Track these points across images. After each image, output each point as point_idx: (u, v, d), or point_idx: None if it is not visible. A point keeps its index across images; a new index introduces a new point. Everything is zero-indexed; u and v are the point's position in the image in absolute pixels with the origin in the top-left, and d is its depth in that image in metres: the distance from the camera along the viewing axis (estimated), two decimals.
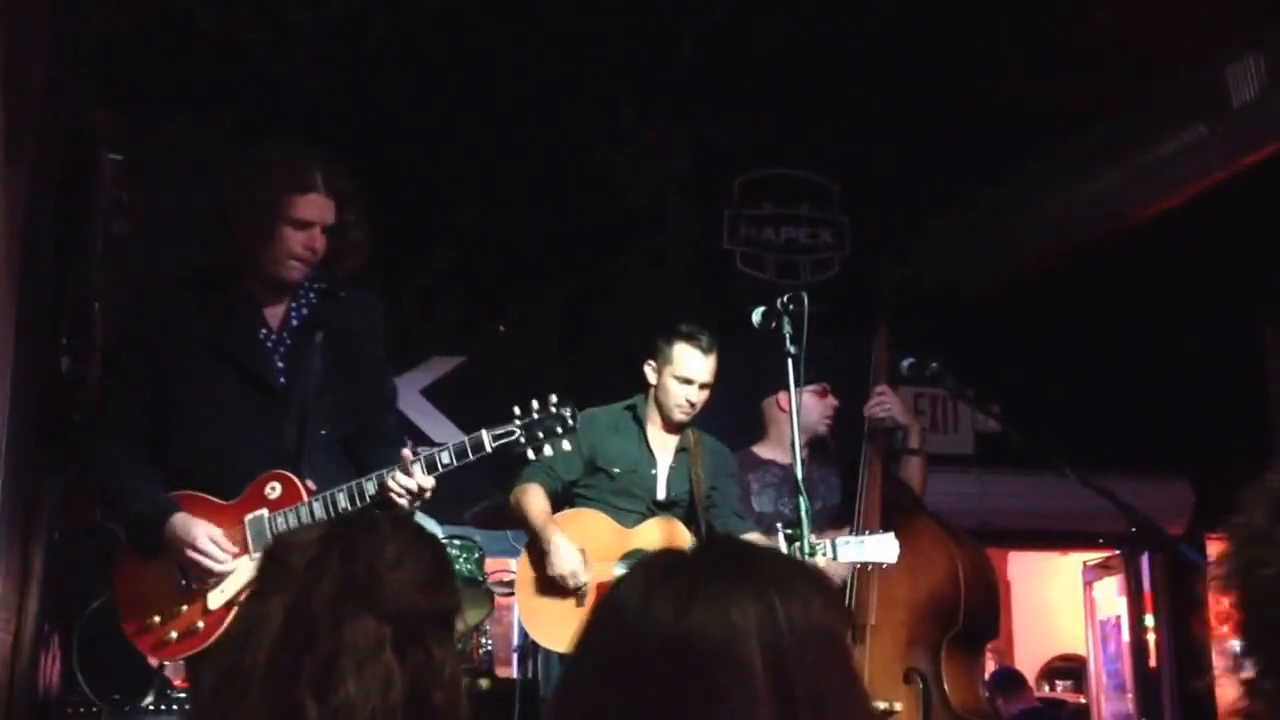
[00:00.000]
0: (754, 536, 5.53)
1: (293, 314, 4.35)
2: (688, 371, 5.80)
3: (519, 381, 6.38)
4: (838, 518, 5.89)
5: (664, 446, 5.91)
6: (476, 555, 6.74)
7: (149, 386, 4.22)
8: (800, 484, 4.99)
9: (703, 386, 5.81)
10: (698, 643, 1.53)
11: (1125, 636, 10.14)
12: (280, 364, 4.29)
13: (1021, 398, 7.69)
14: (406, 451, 4.19)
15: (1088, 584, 11.16)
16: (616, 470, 5.79)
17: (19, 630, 4.82)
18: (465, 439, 4.17)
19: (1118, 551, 10.02)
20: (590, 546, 5.61)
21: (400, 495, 4.11)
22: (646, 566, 1.67)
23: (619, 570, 5.60)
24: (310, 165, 4.27)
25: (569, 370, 7.80)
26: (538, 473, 5.65)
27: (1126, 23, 7.12)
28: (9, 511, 4.57)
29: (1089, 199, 7.63)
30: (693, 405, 5.82)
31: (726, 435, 6.13)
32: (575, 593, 5.57)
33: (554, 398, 4.29)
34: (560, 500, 5.77)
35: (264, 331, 4.31)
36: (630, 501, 5.80)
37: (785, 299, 5.17)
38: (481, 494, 6.70)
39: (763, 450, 6.25)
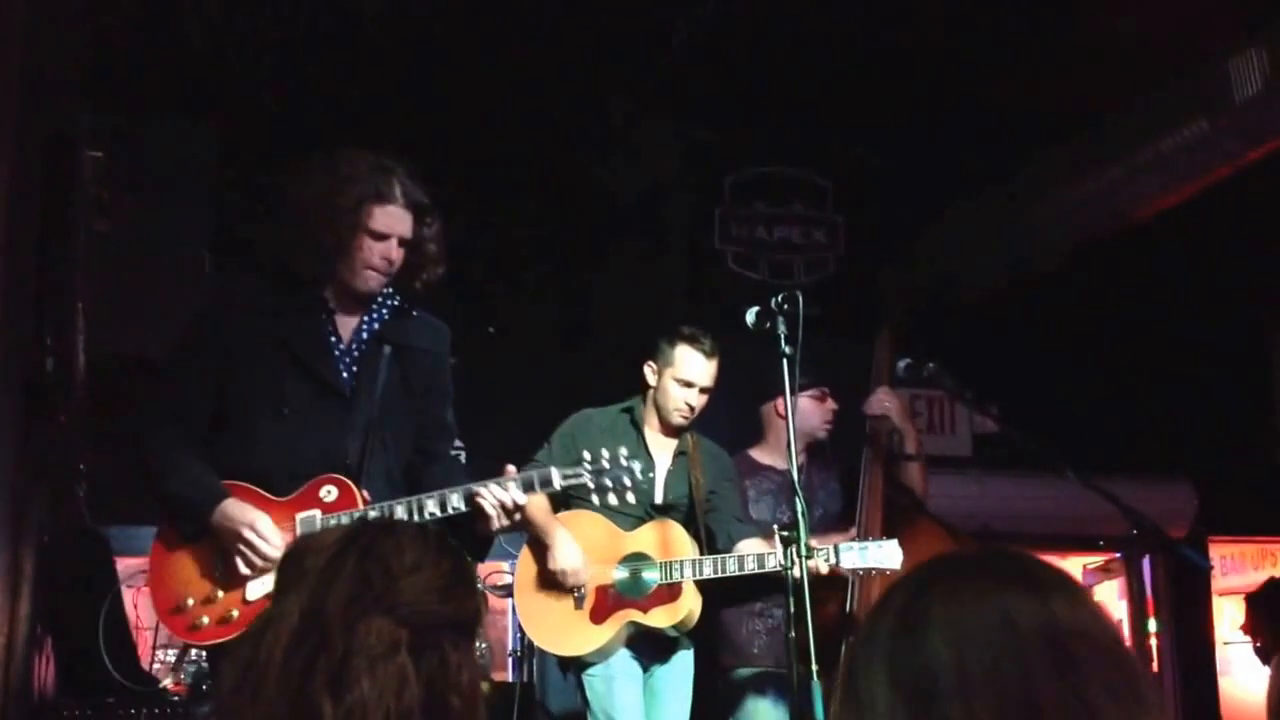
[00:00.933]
0: (755, 541, 5.49)
1: (364, 326, 4.36)
2: (689, 374, 5.71)
3: (510, 384, 6.38)
4: (840, 524, 5.83)
5: (662, 449, 5.82)
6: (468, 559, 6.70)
7: (214, 379, 4.21)
8: (796, 486, 4.91)
9: (703, 390, 5.73)
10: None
11: (1127, 640, 10.09)
12: (348, 372, 4.29)
13: (1021, 399, 7.61)
14: (511, 468, 4.23)
15: (1088, 587, 11.12)
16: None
17: (11, 632, 4.77)
18: (534, 473, 4.23)
19: (1119, 555, 9.97)
20: (588, 548, 5.55)
21: (494, 508, 4.12)
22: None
23: (617, 573, 5.56)
24: (391, 176, 4.27)
25: (560, 372, 7.75)
26: None
27: (1127, 19, 7.08)
28: None
29: (1090, 197, 7.58)
30: (692, 409, 5.73)
31: (720, 438, 6.07)
32: (574, 594, 5.52)
33: (624, 451, 4.38)
34: (557, 503, 5.65)
35: (334, 339, 4.31)
36: (627, 505, 5.70)
37: (779, 299, 5.06)
38: None
39: (760, 455, 6.17)
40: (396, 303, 4.40)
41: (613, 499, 4.37)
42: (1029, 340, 8.63)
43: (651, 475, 5.72)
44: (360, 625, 2.13)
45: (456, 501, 4.12)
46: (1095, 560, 10.66)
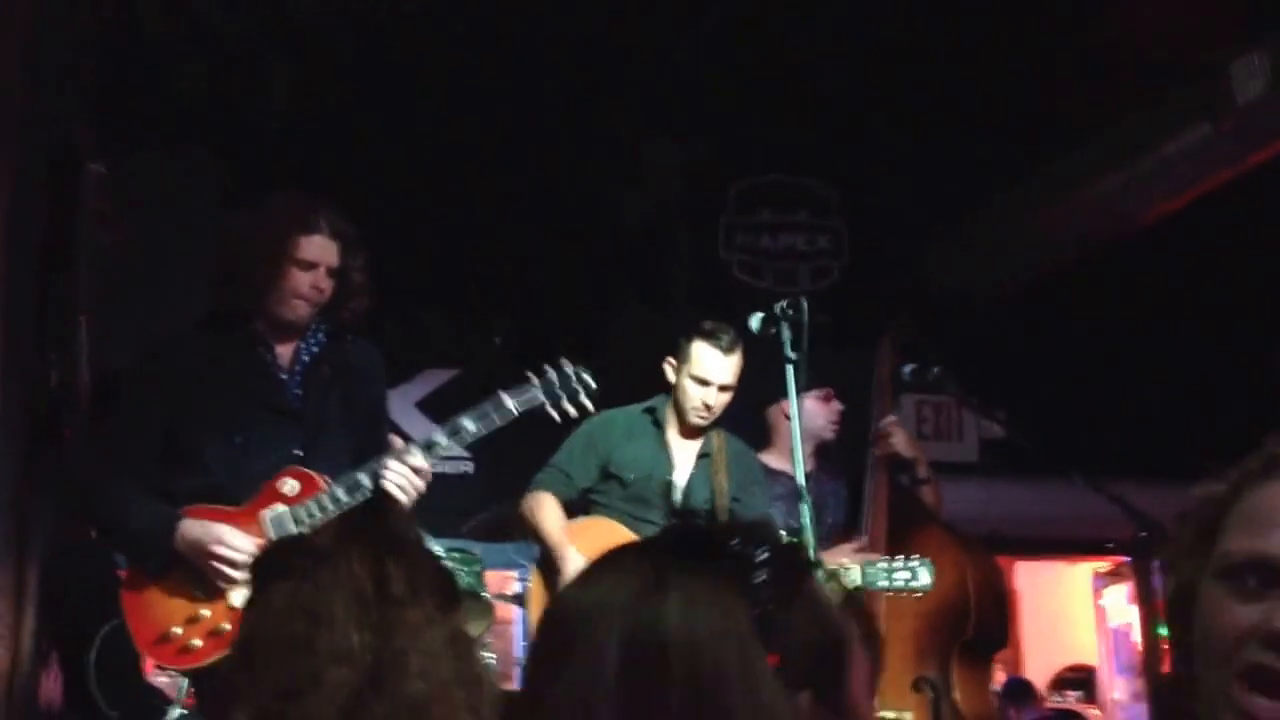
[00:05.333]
0: None
1: (302, 352, 4.47)
2: (705, 372, 5.53)
3: None
4: (848, 530, 5.81)
5: (684, 451, 5.67)
6: (477, 568, 6.66)
7: (161, 418, 4.29)
8: (803, 491, 4.89)
9: (722, 389, 5.54)
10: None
11: (1137, 644, 10.06)
12: (295, 391, 4.41)
13: (1028, 404, 7.60)
14: (395, 440, 4.40)
15: (1097, 592, 11.08)
16: (630, 476, 5.56)
17: (16, 648, 4.76)
18: (486, 402, 4.38)
19: (1128, 559, 9.92)
20: None
21: (402, 485, 4.19)
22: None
23: None
24: (314, 208, 4.40)
25: None
26: (551, 481, 5.53)
27: (1130, 24, 7.06)
28: (1, 529, 4.55)
29: (1094, 202, 7.57)
30: (709, 409, 5.55)
31: None
32: None
33: (566, 362, 4.56)
34: (574, 507, 5.60)
35: (276, 367, 4.42)
36: (646, 510, 5.56)
37: (784, 304, 5.05)
38: (480, 506, 6.61)
39: (770, 459, 6.10)
40: (327, 329, 4.51)
41: (570, 409, 4.49)
42: (1035, 345, 8.62)
43: (671, 479, 5.60)
44: (321, 636, 2.15)
45: (366, 482, 4.20)
46: (1104, 565, 10.64)
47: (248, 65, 7.00)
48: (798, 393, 5.07)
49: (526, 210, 8.30)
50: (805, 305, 5.02)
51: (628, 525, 5.51)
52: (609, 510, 5.60)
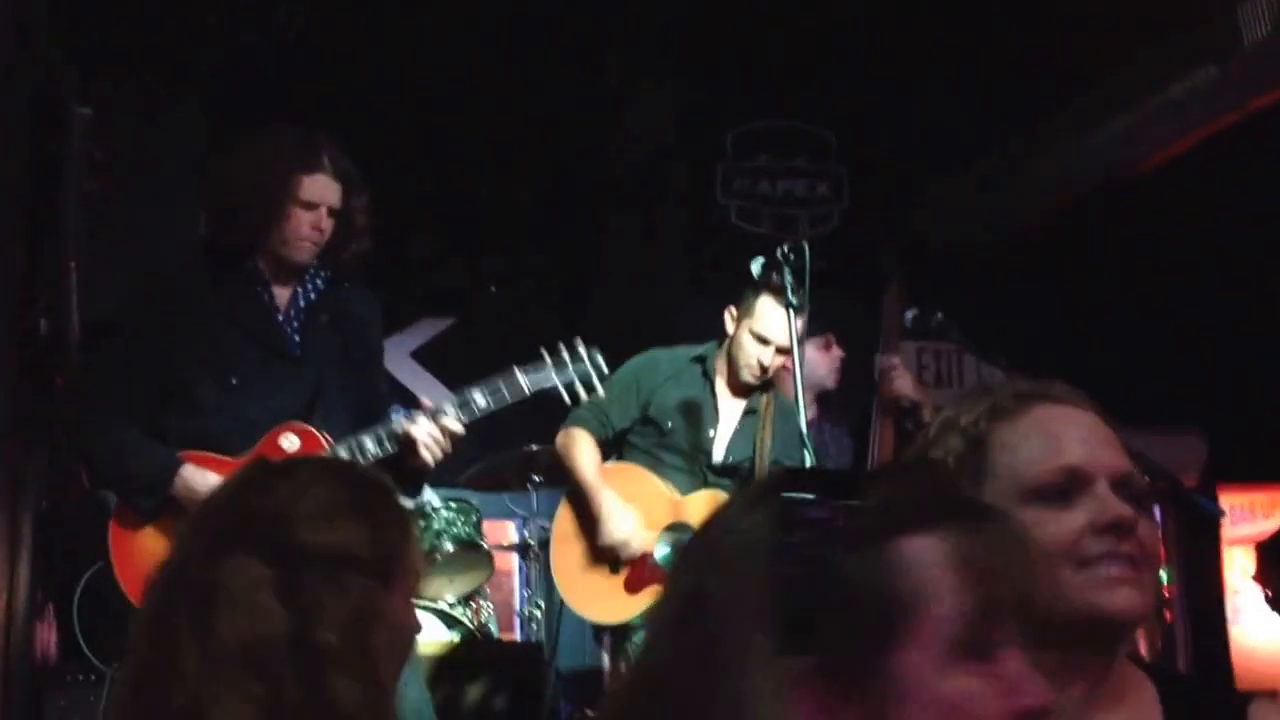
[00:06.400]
0: None
1: (300, 296, 4.40)
2: (767, 330, 5.34)
3: (510, 342, 6.27)
4: None
5: (730, 406, 5.52)
6: (474, 518, 6.63)
7: (156, 356, 4.24)
8: (805, 438, 4.83)
9: (780, 351, 5.34)
10: None
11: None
12: (293, 335, 4.35)
13: (1029, 351, 7.52)
14: (427, 400, 4.34)
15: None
16: (670, 425, 5.43)
17: (11, 598, 4.74)
18: (500, 380, 4.33)
19: None
20: (637, 512, 5.33)
21: (429, 444, 4.16)
22: None
23: (659, 546, 5.30)
24: (317, 145, 4.33)
25: (561, 330, 7.65)
26: (589, 418, 5.39)
27: None
28: None
29: (1098, 146, 7.49)
30: (765, 369, 5.41)
31: None
32: (612, 560, 5.33)
33: (580, 342, 4.52)
34: (608, 448, 5.49)
35: (274, 308, 4.36)
36: (682, 461, 5.44)
37: (785, 249, 4.97)
38: (476, 455, 6.54)
39: None
40: (327, 274, 4.44)
41: (583, 395, 4.44)
42: (1036, 291, 8.55)
43: (713, 434, 5.45)
44: (225, 563, 2.12)
45: (372, 447, 4.18)
46: None
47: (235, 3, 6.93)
48: (798, 338, 5.00)
49: (522, 156, 8.22)
50: (807, 250, 4.94)
51: (660, 474, 5.40)
52: (643, 456, 5.49)
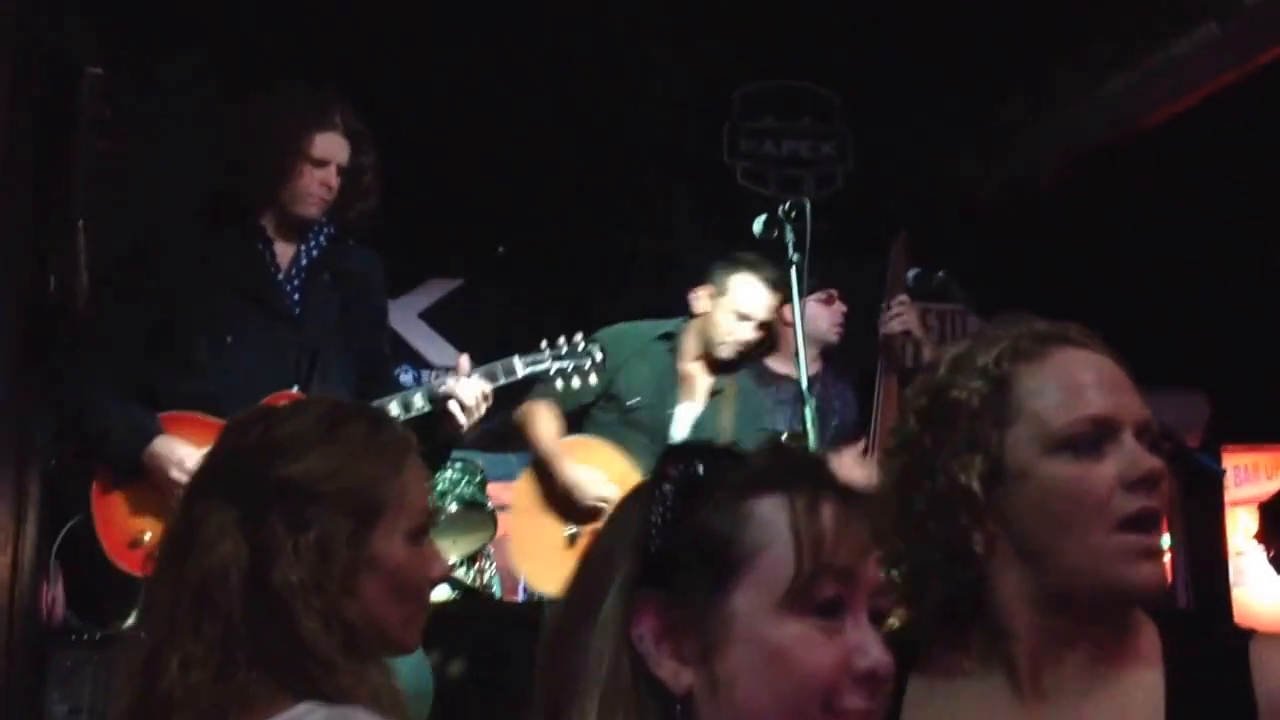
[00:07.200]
0: None
1: (303, 254, 4.38)
2: (747, 306, 5.46)
3: (518, 303, 6.33)
4: (855, 433, 5.77)
5: (695, 386, 5.57)
6: (479, 479, 6.65)
7: (150, 311, 4.23)
8: (805, 393, 4.85)
9: (760, 326, 5.48)
10: None
11: None
12: (294, 296, 4.33)
13: (1032, 310, 7.54)
14: (465, 359, 4.29)
15: None
16: (632, 401, 5.46)
17: (16, 557, 4.74)
18: (498, 364, 4.31)
19: None
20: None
21: (465, 407, 4.18)
22: None
23: None
24: (328, 102, 4.33)
25: (568, 291, 7.68)
26: (551, 391, 5.35)
27: None
28: (1, 438, 4.55)
29: (1098, 105, 7.49)
30: (746, 345, 5.50)
31: None
32: (567, 533, 5.37)
33: (580, 336, 4.50)
34: (571, 422, 5.52)
35: (274, 268, 4.34)
36: (644, 437, 5.45)
37: (787, 207, 5.00)
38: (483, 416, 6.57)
39: (775, 364, 6.04)
40: (331, 231, 4.43)
41: (576, 382, 4.47)
42: (1039, 250, 8.54)
43: (672, 412, 5.50)
44: (198, 507, 2.11)
45: (420, 401, 4.19)
46: None
47: None
48: (800, 296, 5.02)
49: (528, 117, 8.20)
50: (809, 207, 4.96)
51: (621, 449, 5.43)
52: (604, 430, 5.51)
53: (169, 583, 2.08)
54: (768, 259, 5.40)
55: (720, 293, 5.49)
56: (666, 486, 1.61)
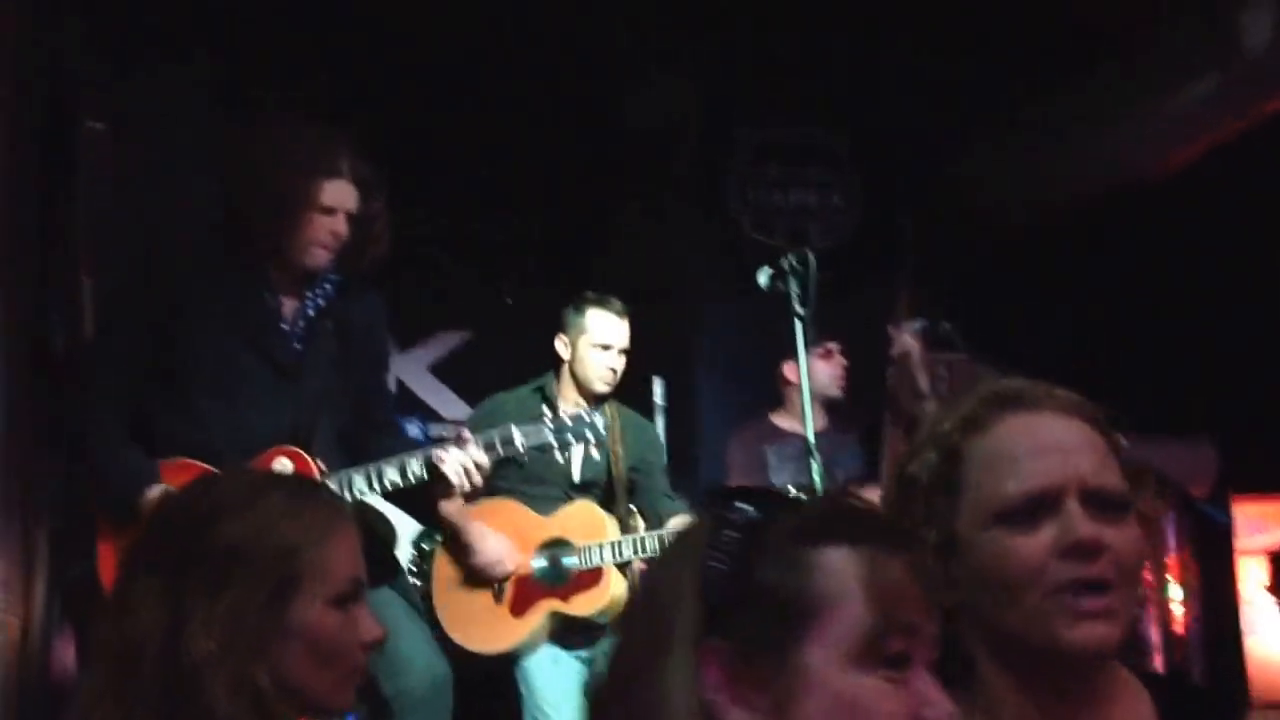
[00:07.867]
0: (684, 519, 5.28)
1: (308, 303, 4.32)
2: (606, 337, 5.69)
3: (527, 354, 6.31)
4: (861, 486, 5.76)
5: None
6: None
7: (148, 353, 4.18)
8: (812, 447, 4.85)
9: (622, 351, 5.70)
10: None
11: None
12: (294, 348, 4.27)
13: (1037, 359, 7.51)
14: (466, 431, 4.27)
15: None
16: (524, 458, 5.48)
17: (27, 615, 4.72)
18: (495, 433, 4.27)
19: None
20: (507, 538, 5.50)
21: (457, 471, 4.15)
22: None
23: (536, 561, 5.49)
24: (336, 148, 4.25)
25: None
26: None
27: None
28: (7, 493, 4.49)
29: (1096, 154, 7.50)
30: (615, 373, 5.69)
31: (738, 403, 5.99)
32: (493, 588, 5.47)
33: (584, 409, 4.60)
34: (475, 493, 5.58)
35: (279, 316, 4.28)
36: (544, 488, 5.64)
37: (792, 258, 5.00)
38: None
39: (781, 420, 6.08)
40: (337, 280, 4.37)
41: (578, 452, 4.64)
42: (1046, 297, 8.54)
43: (565, 455, 5.50)
44: (127, 574, 2.16)
45: (417, 467, 4.15)
46: None
47: None
48: (806, 349, 5.02)
49: (533, 172, 8.19)
50: (812, 259, 4.96)
51: (529, 504, 5.58)
52: (509, 494, 5.63)
53: (101, 649, 2.11)
54: (611, 297, 5.77)
55: (579, 332, 5.74)
56: (726, 534, 1.63)
